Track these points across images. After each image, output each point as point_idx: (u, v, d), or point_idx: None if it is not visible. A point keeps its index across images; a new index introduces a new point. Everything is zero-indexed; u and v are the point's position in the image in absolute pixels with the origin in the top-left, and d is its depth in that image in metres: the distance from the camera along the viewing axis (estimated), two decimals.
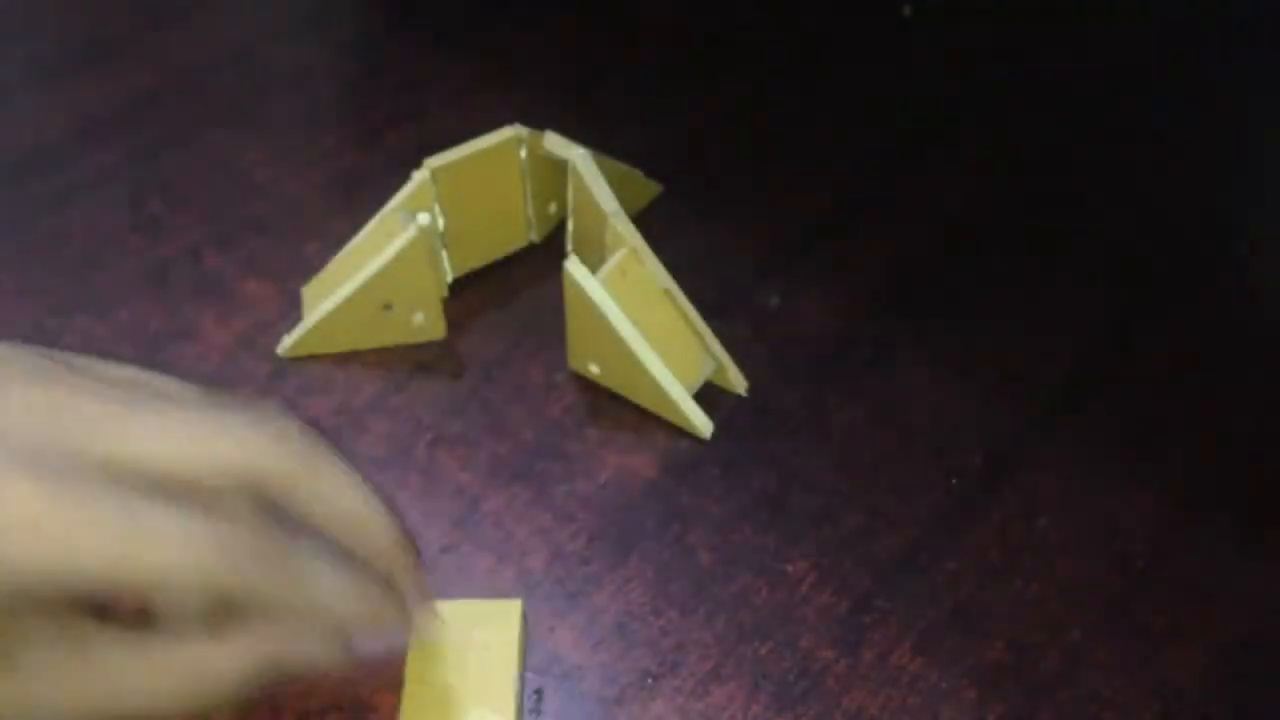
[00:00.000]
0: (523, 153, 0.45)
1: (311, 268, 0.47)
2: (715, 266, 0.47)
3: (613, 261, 0.41)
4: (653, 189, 0.50)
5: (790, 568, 0.39)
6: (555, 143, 0.45)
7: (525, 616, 0.37)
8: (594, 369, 0.43)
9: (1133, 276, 0.48)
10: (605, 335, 0.41)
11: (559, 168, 0.45)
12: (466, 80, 0.55)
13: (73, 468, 0.27)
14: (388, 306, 0.43)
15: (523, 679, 0.36)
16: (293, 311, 0.46)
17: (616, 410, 0.43)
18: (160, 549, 0.27)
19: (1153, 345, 0.46)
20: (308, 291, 0.46)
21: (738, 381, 0.43)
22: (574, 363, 0.44)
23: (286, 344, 0.44)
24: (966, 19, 0.59)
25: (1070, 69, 0.57)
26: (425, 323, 0.44)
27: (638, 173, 0.49)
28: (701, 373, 0.43)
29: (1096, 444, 0.43)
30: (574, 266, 0.40)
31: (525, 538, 0.40)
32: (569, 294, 0.41)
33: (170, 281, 0.47)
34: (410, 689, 0.35)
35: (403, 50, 0.57)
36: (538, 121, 0.52)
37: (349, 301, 0.43)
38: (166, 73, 0.55)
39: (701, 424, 0.42)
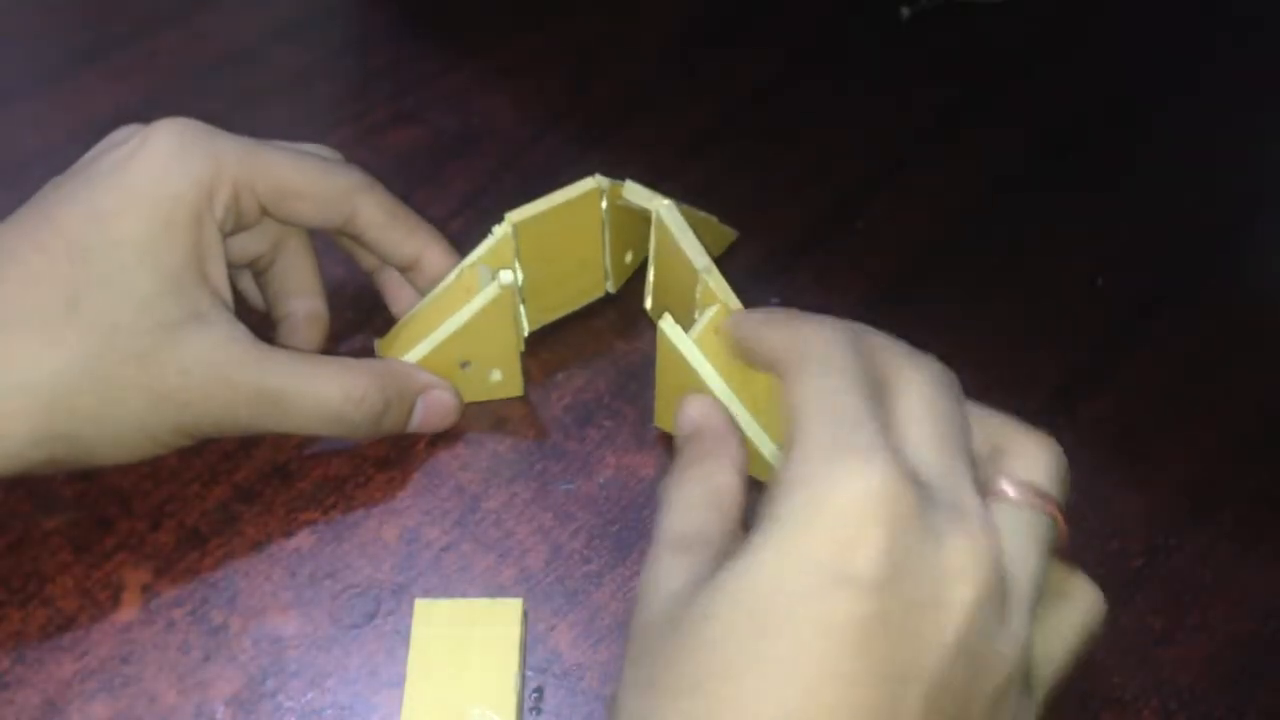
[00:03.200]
0: (603, 203, 0.43)
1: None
2: None
3: (705, 319, 0.39)
4: (729, 236, 0.48)
5: None
6: (635, 192, 0.43)
7: (526, 615, 0.37)
8: None
9: (1132, 276, 0.48)
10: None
11: (637, 216, 0.43)
12: (466, 80, 0.55)
13: None
14: (465, 364, 0.42)
15: (523, 678, 0.36)
16: None
17: (617, 410, 0.43)
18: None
19: (1151, 345, 0.46)
20: (381, 345, 0.44)
21: None
22: (660, 421, 0.42)
23: None
24: (964, 21, 0.59)
25: (1069, 70, 0.58)
26: (503, 380, 0.43)
27: (713, 220, 0.47)
28: None
29: (1095, 443, 0.43)
30: (669, 326, 0.39)
31: (525, 536, 0.40)
32: (661, 353, 0.40)
33: None
34: (410, 687, 0.35)
35: (403, 50, 0.57)
36: (538, 123, 0.52)
37: (426, 359, 0.41)
38: (166, 73, 0.55)
39: None
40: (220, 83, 0.55)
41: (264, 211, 0.41)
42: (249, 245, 0.42)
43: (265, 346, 0.39)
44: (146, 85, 0.55)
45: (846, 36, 0.59)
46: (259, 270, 0.44)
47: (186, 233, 0.38)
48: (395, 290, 0.45)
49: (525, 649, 0.37)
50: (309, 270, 0.44)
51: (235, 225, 0.40)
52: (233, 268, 0.43)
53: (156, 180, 0.38)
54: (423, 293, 0.43)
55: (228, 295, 0.39)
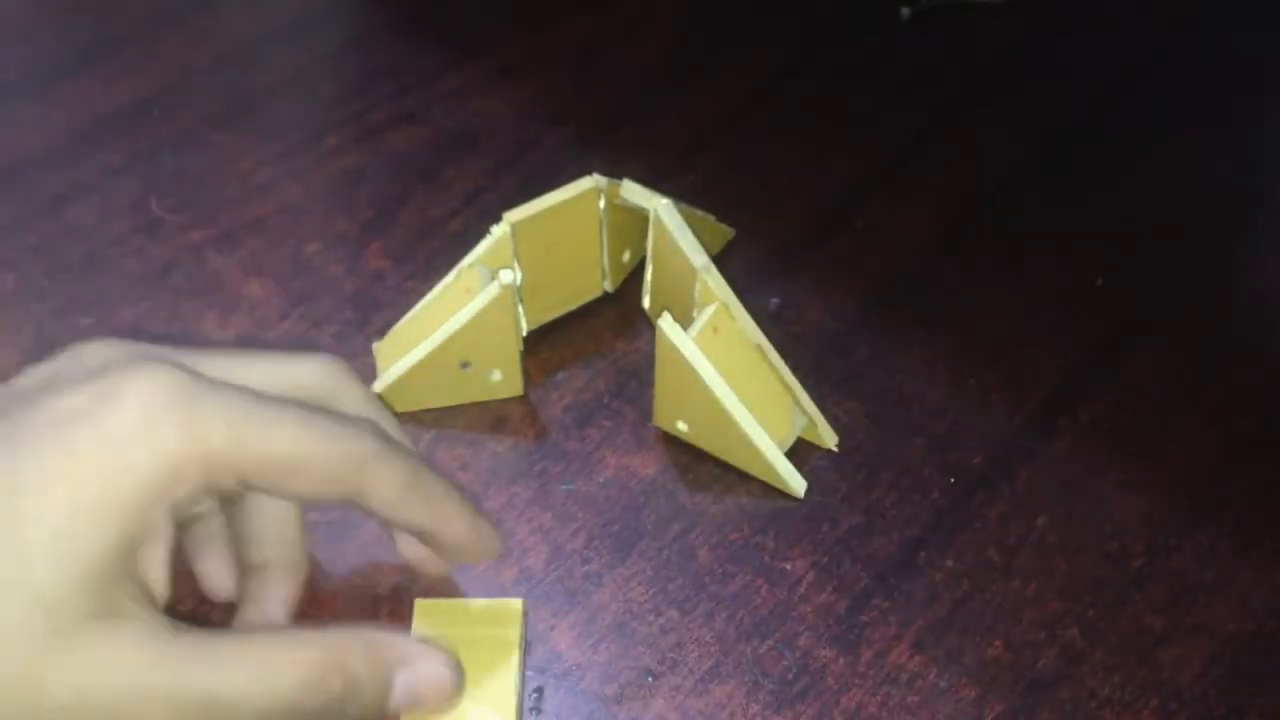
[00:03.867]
0: (601, 202, 0.43)
1: (312, 267, 0.47)
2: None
3: (704, 318, 0.40)
4: (725, 234, 0.48)
5: (789, 566, 0.39)
6: (634, 191, 0.43)
7: (526, 615, 0.37)
8: (682, 426, 0.41)
9: (1132, 276, 0.48)
10: (698, 394, 0.39)
11: (634, 215, 0.44)
12: (467, 80, 0.55)
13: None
14: (465, 364, 0.42)
15: (523, 678, 0.36)
16: (294, 311, 0.46)
17: (617, 410, 0.43)
18: (303, 439, 0.31)
19: (1151, 345, 0.46)
20: (380, 348, 0.44)
21: (828, 437, 0.42)
22: (660, 420, 0.42)
23: None
24: (964, 21, 0.59)
25: (1069, 70, 0.58)
26: (503, 380, 0.43)
27: (710, 218, 0.47)
28: (794, 430, 0.42)
29: (1095, 443, 0.43)
30: (668, 326, 0.39)
31: (525, 536, 0.40)
32: (660, 352, 0.40)
33: (171, 282, 0.47)
34: None
35: (403, 50, 0.57)
36: (538, 123, 0.52)
37: (426, 360, 0.41)
38: (167, 73, 0.55)
39: (796, 484, 0.41)
40: (220, 83, 0.55)
41: (246, 487, 0.32)
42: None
43: (191, 639, 0.30)
44: (146, 85, 0.55)
45: (846, 36, 0.59)
46: (226, 506, 0.36)
47: (125, 519, 0.29)
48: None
49: (525, 649, 0.37)
50: (289, 510, 0.36)
51: (198, 500, 0.32)
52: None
53: (110, 453, 0.29)
54: (446, 559, 0.37)
55: (161, 584, 0.31)
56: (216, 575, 0.36)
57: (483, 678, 0.35)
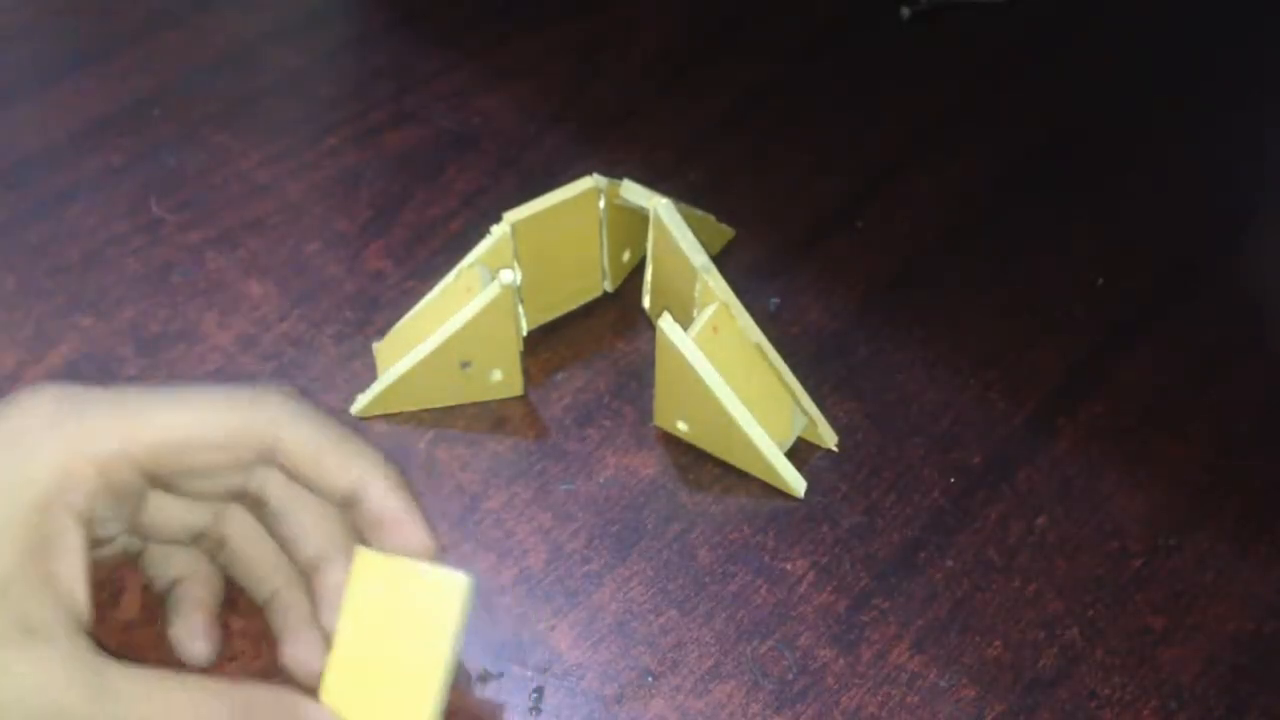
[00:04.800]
0: (601, 202, 0.43)
1: (312, 267, 0.47)
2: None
3: (704, 317, 0.40)
4: (726, 234, 0.49)
5: (789, 566, 0.39)
6: (633, 191, 0.43)
7: (473, 593, 0.33)
8: (682, 426, 0.42)
9: (1131, 276, 0.48)
10: (698, 394, 0.39)
11: (634, 215, 0.44)
12: (466, 80, 0.55)
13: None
14: (466, 364, 0.42)
15: (456, 660, 0.33)
16: (294, 311, 0.46)
17: (617, 410, 0.43)
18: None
19: (1151, 345, 0.46)
20: (380, 348, 0.44)
21: (828, 436, 0.42)
22: (660, 420, 0.42)
23: (361, 403, 0.43)
24: (964, 21, 0.59)
25: (1069, 70, 0.58)
26: (503, 380, 0.43)
27: (710, 218, 0.47)
28: (794, 429, 0.42)
29: (1094, 444, 0.43)
30: (668, 326, 0.39)
31: (525, 536, 0.40)
32: (660, 352, 0.40)
33: (171, 282, 0.47)
34: (337, 651, 0.33)
35: (403, 50, 0.57)
36: (538, 123, 0.52)
37: (426, 360, 0.41)
38: (167, 73, 0.55)
39: (796, 484, 0.41)
40: (220, 83, 0.55)
41: (156, 482, 0.33)
42: (183, 517, 0.36)
43: (111, 670, 0.31)
44: (146, 85, 0.55)
45: (846, 36, 0.59)
46: (211, 553, 0.37)
47: (27, 527, 0.30)
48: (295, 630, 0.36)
49: (465, 627, 0.33)
50: (270, 548, 0.36)
51: (117, 509, 0.33)
52: (175, 543, 0.37)
53: (3, 467, 0.31)
54: (365, 541, 0.35)
55: (80, 598, 0.31)
56: (192, 637, 0.35)
57: (413, 651, 0.32)
